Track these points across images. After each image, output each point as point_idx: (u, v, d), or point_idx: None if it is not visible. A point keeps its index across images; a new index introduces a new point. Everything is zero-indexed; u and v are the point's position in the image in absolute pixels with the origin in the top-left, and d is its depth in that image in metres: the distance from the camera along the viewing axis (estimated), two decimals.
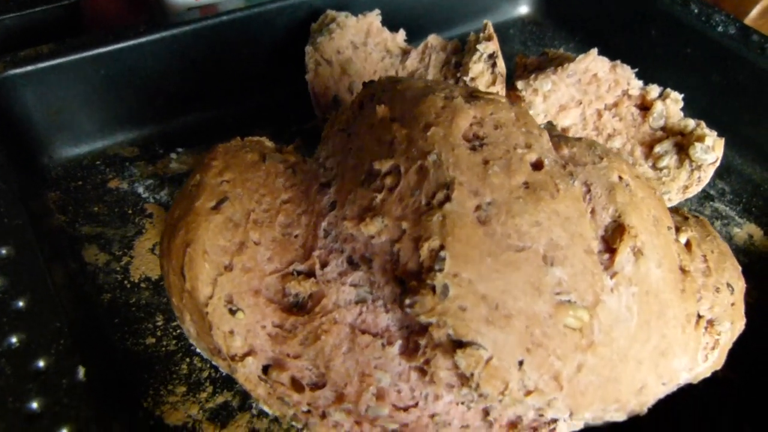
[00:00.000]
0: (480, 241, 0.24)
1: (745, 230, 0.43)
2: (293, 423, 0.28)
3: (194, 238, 0.27)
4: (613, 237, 0.26)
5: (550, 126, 0.30)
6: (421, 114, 0.27)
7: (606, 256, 0.26)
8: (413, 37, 0.47)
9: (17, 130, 0.40)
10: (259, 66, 0.47)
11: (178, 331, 0.35)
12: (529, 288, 0.24)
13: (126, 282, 0.37)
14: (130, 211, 0.41)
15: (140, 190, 0.42)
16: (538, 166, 0.26)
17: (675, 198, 0.39)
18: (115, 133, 0.45)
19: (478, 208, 0.24)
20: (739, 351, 0.32)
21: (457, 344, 0.23)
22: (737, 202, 0.44)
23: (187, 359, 0.34)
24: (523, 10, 0.58)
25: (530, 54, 0.53)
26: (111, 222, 0.40)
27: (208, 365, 0.34)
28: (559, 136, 0.29)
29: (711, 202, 0.44)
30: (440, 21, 0.54)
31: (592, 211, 0.26)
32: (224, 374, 0.33)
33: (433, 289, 0.23)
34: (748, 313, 0.37)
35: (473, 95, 0.28)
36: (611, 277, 0.25)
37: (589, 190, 0.27)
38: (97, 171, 0.43)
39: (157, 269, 0.38)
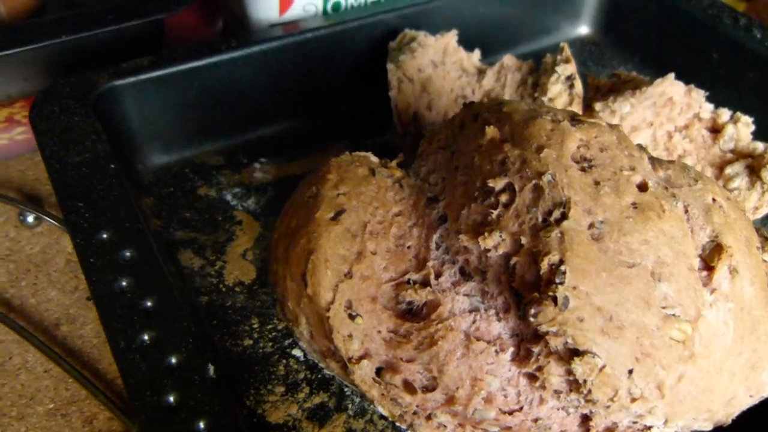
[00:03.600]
0: (595, 257, 0.25)
1: None
2: (399, 423, 0.30)
3: (316, 246, 0.29)
4: (710, 256, 0.28)
5: (640, 148, 0.32)
6: (531, 136, 0.29)
7: (704, 273, 0.28)
8: (482, 56, 0.49)
9: (118, 138, 0.42)
10: (338, 80, 0.50)
11: (274, 333, 0.37)
12: (640, 301, 0.25)
13: (221, 286, 0.39)
14: (220, 218, 0.43)
15: (228, 197, 0.44)
16: (643, 187, 0.28)
17: None
18: (201, 143, 0.47)
19: (591, 225, 0.26)
20: None
21: (574, 353, 0.25)
22: None
23: (284, 361, 0.36)
24: (584, 30, 0.60)
25: (592, 73, 0.55)
26: (203, 228, 0.42)
27: (304, 367, 0.36)
28: (653, 159, 0.31)
29: None
30: (505, 40, 0.56)
31: (691, 231, 0.28)
32: (320, 376, 0.35)
33: (555, 300, 0.25)
34: None
35: (576, 119, 0.30)
36: (710, 293, 0.27)
37: (687, 211, 0.28)
38: (186, 178, 0.45)
39: (250, 274, 0.40)
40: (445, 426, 0.29)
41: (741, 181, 0.40)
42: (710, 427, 0.30)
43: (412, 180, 0.33)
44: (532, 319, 0.25)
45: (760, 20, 0.70)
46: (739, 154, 0.42)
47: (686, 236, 0.27)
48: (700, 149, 0.42)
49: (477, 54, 0.47)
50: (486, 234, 0.27)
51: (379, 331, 0.29)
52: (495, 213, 0.27)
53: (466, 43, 0.49)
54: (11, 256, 0.40)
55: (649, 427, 0.28)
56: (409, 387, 0.29)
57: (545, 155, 0.28)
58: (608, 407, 0.26)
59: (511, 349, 0.27)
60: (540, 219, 0.26)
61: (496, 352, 0.27)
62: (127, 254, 0.32)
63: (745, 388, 0.29)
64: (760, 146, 0.41)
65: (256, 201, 0.44)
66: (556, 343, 0.25)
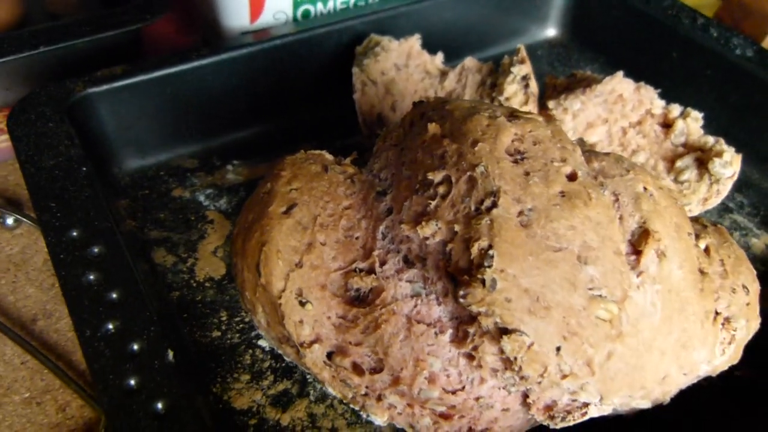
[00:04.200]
0: (523, 242, 0.27)
1: (762, 240, 0.46)
2: (352, 405, 0.32)
3: (269, 238, 0.31)
4: (639, 241, 0.29)
5: (581, 142, 0.33)
6: (469, 131, 0.30)
7: (633, 257, 0.29)
8: (449, 59, 0.51)
9: (93, 143, 0.44)
10: (307, 85, 0.51)
11: (241, 325, 0.39)
12: (566, 283, 0.27)
13: (192, 281, 0.41)
14: (192, 218, 0.45)
15: (201, 198, 0.46)
16: (572, 177, 0.29)
17: (695, 209, 0.42)
18: (176, 146, 0.49)
19: (520, 213, 0.28)
20: (756, 351, 0.35)
21: (503, 331, 0.27)
22: (755, 215, 0.47)
23: (250, 351, 0.38)
24: (551, 32, 0.62)
25: (558, 74, 0.57)
26: (176, 227, 0.44)
27: (269, 356, 0.37)
28: (589, 152, 0.33)
29: (730, 214, 0.47)
30: (474, 43, 0.58)
31: (621, 218, 0.30)
32: (284, 364, 0.37)
33: (483, 282, 0.26)
34: (764, 316, 0.40)
35: (514, 115, 0.32)
36: (637, 276, 0.29)
37: (617, 199, 0.30)
38: (162, 181, 0.47)
39: (220, 270, 0.42)
40: (394, 406, 0.31)
41: (690, 174, 0.42)
42: (648, 405, 0.32)
43: (364, 176, 0.34)
44: (461, 301, 0.27)
45: (733, 19, 0.72)
46: (690, 148, 0.43)
47: (612, 222, 0.29)
48: (652, 144, 0.44)
49: (440, 57, 0.49)
50: (423, 223, 0.29)
51: (329, 317, 0.30)
52: (433, 203, 0.29)
53: (434, 47, 0.51)
54: None
55: (587, 404, 0.30)
56: (357, 369, 0.30)
57: (479, 149, 0.29)
58: (540, 383, 0.28)
59: (450, 331, 0.29)
60: (473, 208, 0.28)
61: (436, 333, 0.29)
62: (96, 250, 0.34)
63: (677, 366, 0.30)
64: (710, 140, 0.43)
65: (227, 201, 0.46)
66: (486, 323, 0.27)
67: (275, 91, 0.51)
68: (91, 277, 0.33)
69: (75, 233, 0.35)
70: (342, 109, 0.51)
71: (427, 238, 0.29)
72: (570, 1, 0.60)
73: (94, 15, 0.50)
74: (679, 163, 0.42)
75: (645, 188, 0.31)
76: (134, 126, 0.46)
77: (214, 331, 0.39)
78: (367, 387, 0.30)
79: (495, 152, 0.29)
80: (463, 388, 0.29)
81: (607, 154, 0.32)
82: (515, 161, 0.29)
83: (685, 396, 0.33)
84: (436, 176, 0.30)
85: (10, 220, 0.43)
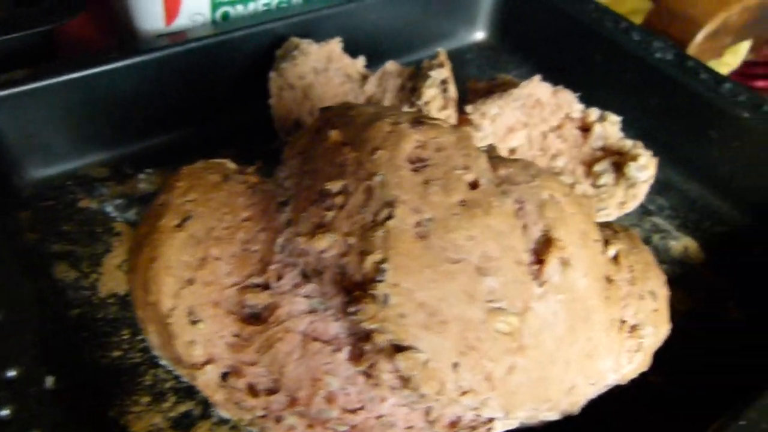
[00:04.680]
0: (419, 254, 0.26)
1: (681, 243, 0.46)
2: (250, 428, 0.30)
3: (158, 254, 0.29)
4: (542, 249, 0.28)
5: (491, 148, 0.33)
6: (369, 138, 0.29)
7: (536, 267, 0.28)
8: (374, 63, 0.50)
9: None
10: (226, 89, 0.50)
11: (144, 344, 0.37)
12: (464, 296, 0.26)
13: (94, 298, 0.39)
14: (99, 230, 0.43)
15: (109, 209, 0.44)
16: (474, 185, 0.28)
17: (614, 213, 0.42)
18: (85, 154, 0.46)
19: (418, 224, 0.27)
20: (669, 356, 0.35)
21: (398, 348, 0.26)
22: (675, 217, 0.47)
23: (152, 371, 0.36)
24: (480, 36, 0.62)
25: (486, 78, 0.56)
26: (80, 240, 0.42)
27: (172, 376, 0.36)
28: (498, 158, 0.32)
29: (650, 217, 0.47)
30: (401, 47, 0.57)
31: (524, 226, 0.29)
32: (186, 384, 0.35)
33: (375, 298, 0.25)
34: (681, 320, 0.40)
35: (419, 121, 0.31)
36: (540, 286, 0.28)
37: (522, 207, 0.29)
38: (68, 191, 0.45)
39: (125, 285, 0.40)
40: (294, 427, 0.29)
41: (608, 178, 0.41)
42: (557, 417, 0.31)
43: (267, 185, 0.33)
44: (352, 317, 0.25)
45: (662, 23, 0.73)
46: (609, 152, 0.43)
47: (514, 231, 0.28)
48: (572, 148, 0.43)
49: (362, 60, 0.48)
50: (320, 235, 0.27)
51: (223, 336, 0.29)
52: (330, 215, 0.28)
53: (359, 51, 0.50)
54: None
55: (492, 420, 0.29)
56: (253, 390, 0.29)
57: (378, 156, 0.28)
58: (438, 401, 0.27)
59: (348, 348, 0.28)
60: (369, 219, 0.27)
61: (333, 351, 0.28)
62: None
63: (583, 376, 0.30)
64: (629, 143, 0.43)
65: (137, 212, 0.44)
66: (380, 340, 0.26)
67: (192, 96, 0.49)
68: None
69: None
70: (263, 114, 0.50)
71: (323, 251, 0.28)
72: (498, 3, 0.60)
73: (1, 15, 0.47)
74: (596, 168, 0.42)
75: (551, 195, 0.30)
76: (39, 133, 0.44)
77: (114, 350, 0.37)
78: (264, 408, 0.29)
79: (394, 160, 0.28)
80: (363, 406, 0.28)
81: (516, 160, 0.32)
82: (415, 169, 0.28)
83: (597, 404, 0.32)
84: (334, 186, 0.28)
85: None
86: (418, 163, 0.29)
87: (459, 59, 0.60)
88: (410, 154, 0.29)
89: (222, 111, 0.50)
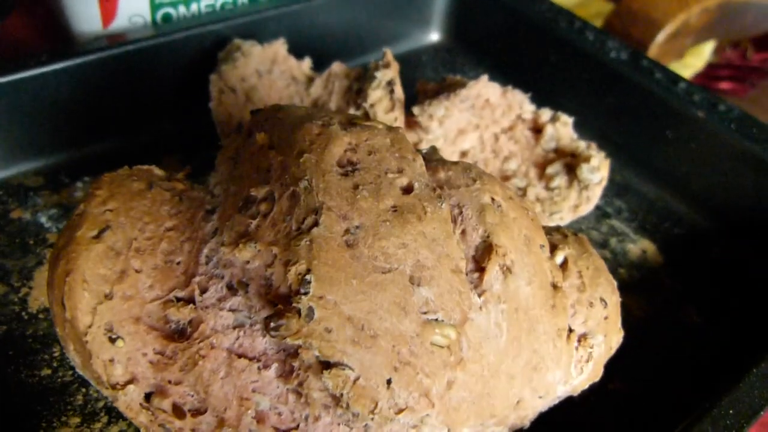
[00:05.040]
0: (346, 264, 0.24)
1: (639, 246, 0.45)
2: None
3: (74, 267, 0.27)
4: (482, 256, 0.27)
5: (432, 150, 0.31)
6: (296, 141, 0.27)
7: (476, 275, 0.27)
8: (324, 65, 0.48)
9: None
10: (167, 93, 0.48)
11: None
12: (395, 308, 0.25)
13: (23, 313, 0.37)
14: (31, 242, 0.40)
15: (43, 219, 0.42)
16: (408, 190, 0.27)
17: (567, 217, 0.40)
18: (18, 163, 0.44)
19: (346, 231, 0.25)
20: (628, 362, 0.34)
21: (325, 365, 0.24)
22: (632, 219, 0.46)
23: (83, 390, 0.34)
24: (435, 37, 0.60)
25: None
26: (11, 253, 0.40)
27: (104, 395, 0.34)
28: (438, 161, 0.30)
29: (608, 220, 0.46)
30: (352, 49, 0.56)
31: (463, 232, 0.28)
32: None
33: (299, 312, 0.24)
34: (640, 325, 0.39)
35: (352, 122, 0.29)
36: (480, 296, 0.26)
37: (461, 212, 0.28)
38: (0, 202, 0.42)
39: None
40: None
41: (560, 180, 0.40)
42: (506, 431, 0.29)
43: (195, 193, 0.31)
44: (273, 333, 0.24)
45: (623, 25, 0.72)
46: (562, 154, 0.42)
47: (450, 238, 0.26)
48: (524, 150, 0.42)
49: (308, 62, 0.46)
50: (242, 245, 0.26)
51: (145, 354, 0.27)
52: (254, 223, 0.26)
53: (308, 54, 0.48)
54: None
55: None
56: (178, 411, 0.27)
57: (305, 160, 0.26)
58: (373, 419, 0.25)
59: (276, 365, 0.26)
60: (294, 227, 0.25)
61: (260, 368, 0.26)
62: None
63: (530, 389, 0.28)
64: (582, 145, 0.42)
65: None
66: (307, 356, 0.24)
67: (131, 101, 0.47)
68: None
69: None
70: (205, 119, 0.48)
71: (247, 262, 0.26)
72: (452, 4, 0.58)
73: None
74: (549, 170, 0.41)
75: (493, 199, 0.29)
76: None
77: (44, 368, 0.35)
78: (191, 430, 0.27)
79: (322, 164, 0.26)
80: (297, 426, 0.26)
81: (456, 163, 0.30)
82: (345, 174, 0.27)
83: (557, 415, 0.31)
84: (259, 192, 0.27)
85: None
86: (348, 167, 0.27)
87: (413, 61, 0.59)
88: (340, 157, 0.27)
89: (163, 116, 0.48)
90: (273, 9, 0.50)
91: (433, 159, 0.31)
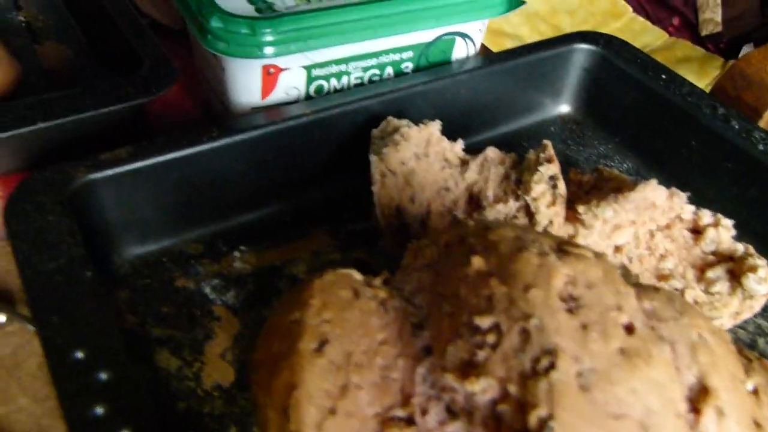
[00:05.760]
0: (584, 410, 0.25)
1: None
2: None
3: (299, 381, 0.28)
4: (697, 398, 0.28)
5: (625, 272, 0.32)
6: (518, 272, 0.28)
7: (691, 416, 0.27)
8: (462, 136, 0.48)
9: (92, 232, 0.41)
10: (318, 166, 0.49)
11: None
12: None
13: (199, 390, 0.38)
14: (198, 313, 0.42)
15: (207, 290, 0.43)
16: (630, 329, 0.27)
17: (727, 323, 0.41)
18: (179, 231, 0.46)
19: (579, 374, 0.26)
20: None
21: None
22: None
23: None
24: (564, 109, 0.61)
25: (574, 153, 0.55)
26: (180, 324, 0.41)
27: None
28: (637, 286, 0.31)
29: (754, 318, 0.46)
30: (487, 120, 0.57)
31: (677, 370, 0.28)
32: None
33: None
34: None
35: (562, 249, 0.30)
36: None
37: (673, 350, 0.28)
38: (164, 269, 0.44)
39: (228, 376, 0.39)
40: None
41: (722, 286, 0.40)
42: None
43: (396, 301, 0.32)
44: None
45: (735, 88, 0.71)
46: (720, 256, 0.42)
47: (673, 382, 0.27)
48: (681, 249, 0.42)
49: (460, 144, 0.47)
50: (473, 378, 0.27)
51: None
52: (482, 354, 0.27)
53: (447, 125, 0.49)
54: None
55: None
56: None
57: (533, 296, 0.27)
58: None
59: None
60: (528, 366, 0.26)
61: None
62: (103, 377, 0.31)
63: None
64: (740, 248, 0.42)
65: (235, 295, 0.43)
66: None
67: (285, 172, 0.48)
68: (99, 410, 0.30)
69: (80, 355, 0.32)
70: (352, 190, 0.50)
71: (475, 393, 0.27)
72: (585, 78, 0.59)
73: (96, 86, 0.47)
74: (710, 274, 0.41)
75: (700, 335, 0.29)
76: (137, 211, 0.44)
77: None
78: None
79: (549, 301, 0.27)
80: None
81: (657, 289, 0.31)
82: (569, 310, 0.27)
83: None
84: (484, 321, 0.28)
85: (2, 318, 0.40)
86: (570, 303, 0.28)
87: (543, 131, 0.59)
88: (561, 290, 0.28)
89: (313, 187, 0.50)
90: (420, 84, 0.51)
91: (630, 282, 0.31)
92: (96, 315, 0.34)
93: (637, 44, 0.76)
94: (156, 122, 0.56)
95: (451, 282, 0.31)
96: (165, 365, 0.39)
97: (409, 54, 0.53)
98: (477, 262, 0.30)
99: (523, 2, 0.54)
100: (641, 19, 0.85)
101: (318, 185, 0.50)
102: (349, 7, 0.47)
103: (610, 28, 0.81)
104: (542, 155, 0.43)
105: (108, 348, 0.32)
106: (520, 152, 0.46)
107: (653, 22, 0.85)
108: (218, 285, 0.44)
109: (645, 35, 0.83)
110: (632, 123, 0.57)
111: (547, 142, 0.43)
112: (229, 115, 0.51)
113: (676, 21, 0.87)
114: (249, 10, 0.46)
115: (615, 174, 0.44)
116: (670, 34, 0.83)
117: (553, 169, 0.42)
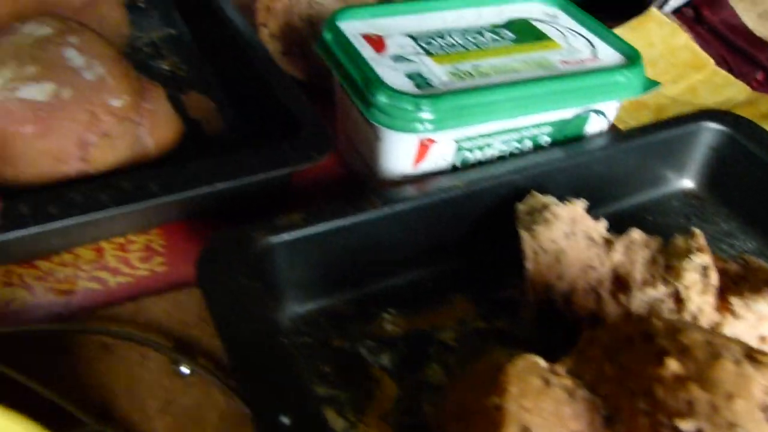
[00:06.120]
0: None
1: None
2: None
3: None
4: None
5: None
6: (719, 380, 0.30)
7: None
8: (589, 209, 0.50)
9: (266, 290, 0.44)
10: (463, 235, 0.52)
11: None
12: None
13: None
14: (357, 375, 0.45)
15: (363, 351, 0.46)
16: None
17: None
18: (334, 293, 0.49)
19: None
20: None
21: None
22: None
23: None
24: (687, 184, 0.62)
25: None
26: (340, 384, 0.44)
27: None
28: None
29: None
30: (614, 193, 0.59)
31: None
32: None
33: None
34: None
35: (752, 357, 0.32)
36: None
37: None
38: (321, 328, 0.47)
39: None
40: None
41: None
42: None
43: (582, 391, 0.34)
44: None
45: None
46: None
47: None
48: None
49: (603, 223, 0.49)
50: None
51: None
52: None
53: (577, 197, 0.51)
54: (168, 407, 0.41)
55: None
56: None
57: (738, 406, 0.29)
58: None
59: None
60: None
61: None
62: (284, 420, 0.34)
63: None
64: None
65: (389, 357, 0.46)
66: None
67: (432, 240, 0.51)
68: None
69: (286, 421, 0.35)
70: (493, 259, 0.52)
71: None
72: (711, 155, 0.61)
73: (264, 151, 0.51)
74: None
75: None
76: (301, 272, 0.47)
77: None
78: None
79: (753, 412, 0.29)
80: None
81: None
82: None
83: None
84: (687, 425, 0.30)
85: (185, 369, 0.43)
86: (766, 413, 0.30)
87: (665, 206, 0.61)
88: (761, 401, 0.30)
89: (455, 255, 0.52)
90: (560, 160, 0.53)
91: None
92: (296, 384, 0.36)
93: (719, 98, 0.77)
94: (296, 177, 0.59)
95: (642, 380, 0.33)
96: (333, 425, 0.42)
97: (549, 129, 0.55)
98: (673, 365, 0.32)
99: (658, 84, 0.56)
100: (724, 72, 0.83)
101: (461, 253, 0.52)
102: (501, 88, 0.50)
103: (692, 80, 0.80)
104: (693, 243, 0.45)
105: (311, 415, 0.35)
106: (644, 225, 0.48)
107: (736, 76, 0.83)
108: (372, 347, 0.46)
109: (727, 89, 0.82)
110: (757, 203, 0.58)
111: (698, 231, 0.45)
112: (376, 178, 0.54)
113: (759, 76, 0.86)
114: (410, 86, 0.49)
115: (760, 264, 0.45)
116: (753, 89, 0.82)
117: (705, 258, 0.44)
